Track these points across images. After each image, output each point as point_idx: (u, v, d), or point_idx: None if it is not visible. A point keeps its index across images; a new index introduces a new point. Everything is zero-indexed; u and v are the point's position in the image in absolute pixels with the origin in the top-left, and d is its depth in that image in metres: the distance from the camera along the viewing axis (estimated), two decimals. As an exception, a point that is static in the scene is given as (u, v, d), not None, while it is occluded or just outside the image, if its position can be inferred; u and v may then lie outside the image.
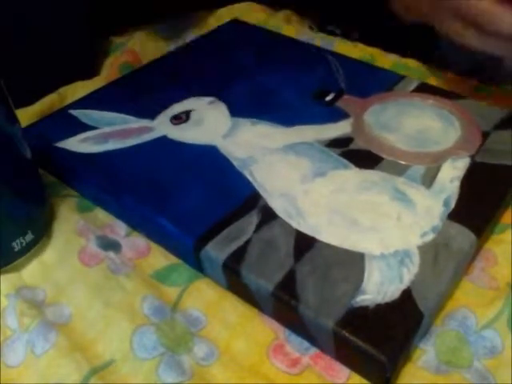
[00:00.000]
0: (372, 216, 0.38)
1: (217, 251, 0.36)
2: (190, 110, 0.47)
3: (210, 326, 0.35)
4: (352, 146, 0.43)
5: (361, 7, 0.60)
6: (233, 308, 0.36)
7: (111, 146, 0.44)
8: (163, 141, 0.44)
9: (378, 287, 0.34)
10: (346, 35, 0.60)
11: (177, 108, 0.47)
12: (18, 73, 0.42)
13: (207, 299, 0.36)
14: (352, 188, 0.40)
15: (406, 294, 0.33)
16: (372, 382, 0.32)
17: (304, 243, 0.36)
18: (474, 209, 0.38)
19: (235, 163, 0.42)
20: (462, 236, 0.36)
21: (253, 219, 0.38)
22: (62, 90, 0.52)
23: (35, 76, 0.47)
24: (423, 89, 0.48)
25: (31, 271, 0.38)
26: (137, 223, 0.40)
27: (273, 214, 0.38)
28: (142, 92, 0.49)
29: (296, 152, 0.43)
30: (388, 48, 0.58)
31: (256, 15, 0.64)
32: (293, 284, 0.34)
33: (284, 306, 0.34)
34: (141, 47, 0.58)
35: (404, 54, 0.57)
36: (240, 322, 0.35)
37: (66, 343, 0.34)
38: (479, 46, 0.42)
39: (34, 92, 0.50)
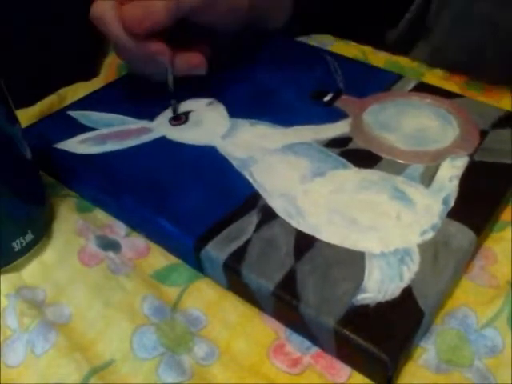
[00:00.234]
0: (372, 215, 0.38)
1: (217, 251, 0.36)
2: (189, 111, 0.47)
3: (210, 326, 0.35)
4: (351, 146, 0.43)
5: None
6: (233, 308, 0.36)
7: (110, 147, 0.44)
8: (162, 142, 0.44)
9: (379, 286, 0.34)
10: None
11: (176, 109, 0.47)
12: (18, 73, 0.42)
13: (207, 299, 0.36)
14: (351, 187, 0.40)
15: (407, 293, 0.33)
16: (373, 380, 0.32)
17: (304, 242, 0.36)
18: (474, 207, 0.38)
19: (235, 163, 0.42)
20: (462, 234, 0.36)
21: (253, 219, 0.38)
22: (61, 91, 0.52)
23: (35, 76, 0.47)
24: (421, 88, 0.48)
25: (31, 271, 0.38)
26: (136, 224, 0.40)
27: (273, 213, 0.38)
28: (141, 93, 0.49)
29: (295, 152, 0.43)
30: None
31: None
32: (293, 283, 0.34)
33: (285, 305, 0.34)
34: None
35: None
36: (240, 322, 0.35)
37: (65, 343, 0.34)
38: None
39: (33, 92, 0.50)
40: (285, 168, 0.41)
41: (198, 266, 0.37)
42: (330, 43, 0.59)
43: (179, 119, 0.46)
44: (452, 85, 0.51)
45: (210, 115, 0.47)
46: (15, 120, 0.35)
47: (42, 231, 0.39)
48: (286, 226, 0.37)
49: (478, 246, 0.38)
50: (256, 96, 0.48)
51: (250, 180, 0.41)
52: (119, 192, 0.41)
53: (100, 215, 0.42)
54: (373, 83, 0.49)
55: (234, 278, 0.36)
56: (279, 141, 0.44)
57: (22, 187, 0.37)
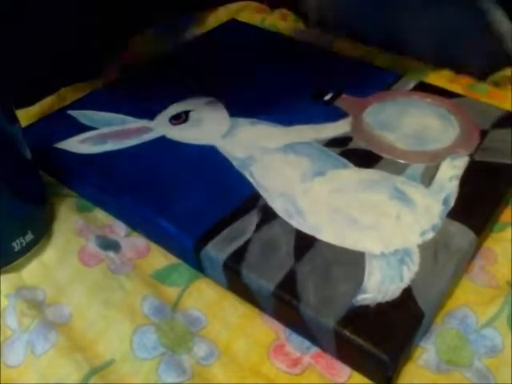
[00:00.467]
0: (372, 215, 0.38)
1: (217, 251, 0.36)
2: (189, 110, 0.47)
3: (210, 326, 0.35)
4: (351, 146, 0.43)
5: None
6: (233, 308, 0.36)
7: (110, 146, 0.44)
8: (162, 141, 0.44)
9: (379, 286, 0.34)
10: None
11: (176, 108, 0.47)
12: (18, 73, 0.42)
13: (207, 299, 0.36)
14: (351, 187, 0.40)
15: (407, 293, 0.33)
16: (373, 380, 0.32)
17: (304, 242, 0.36)
18: (474, 207, 0.38)
19: (235, 163, 0.42)
20: (462, 234, 0.36)
21: (253, 219, 0.38)
22: (61, 91, 0.52)
23: (35, 76, 0.47)
24: (421, 88, 0.48)
25: (31, 271, 0.38)
26: (136, 223, 0.40)
27: (273, 213, 0.38)
28: (141, 92, 0.49)
29: (295, 152, 0.43)
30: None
31: (253, 13, 0.64)
32: (293, 283, 0.34)
33: (285, 305, 0.34)
34: (139, 47, 0.58)
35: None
36: (240, 322, 0.35)
37: (66, 343, 0.34)
38: None
39: (33, 92, 0.50)
40: (285, 168, 0.41)
41: (198, 266, 0.37)
42: (333, 42, 0.59)
43: (179, 118, 0.46)
44: (456, 87, 0.51)
45: (210, 114, 0.47)
46: (15, 120, 0.35)
47: (42, 231, 0.39)
48: (286, 225, 0.37)
49: (478, 247, 0.38)
50: (256, 95, 0.48)
51: (250, 180, 0.40)
52: (119, 192, 0.40)
53: (100, 215, 0.42)
54: (373, 82, 0.49)
55: (234, 278, 0.36)
56: (279, 140, 0.44)
57: (22, 187, 0.37)
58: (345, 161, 0.42)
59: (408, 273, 0.34)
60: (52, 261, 0.38)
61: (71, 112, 0.47)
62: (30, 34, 0.47)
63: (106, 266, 0.38)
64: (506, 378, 0.32)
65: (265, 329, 0.35)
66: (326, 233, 0.37)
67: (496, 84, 0.52)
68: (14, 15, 0.46)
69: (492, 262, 0.37)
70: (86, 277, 0.37)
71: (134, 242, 0.40)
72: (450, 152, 0.42)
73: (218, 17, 0.63)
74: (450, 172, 0.40)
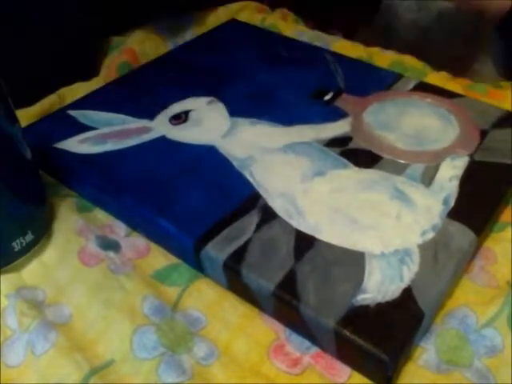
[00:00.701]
0: (372, 215, 0.38)
1: (217, 251, 0.36)
2: (189, 110, 0.47)
3: (210, 326, 0.35)
4: (351, 145, 0.43)
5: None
6: (233, 308, 0.36)
7: (110, 146, 0.44)
8: (162, 141, 0.44)
9: (379, 286, 0.34)
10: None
11: (176, 108, 0.47)
12: (18, 73, 0.42)
13: (207, 299, 0.36)
14: (351, 187, 0.40)
15: (407, 293, 0.33)
16: (373, 380, 0.32)
17: (304, 242, 0.36)
18: (474, 207, 0.38)
19: (235, 163, 0.42)
20: (462, 234, 0.36)
21: (253, 219, 0.38)
22: (61, 91, 0.52)
23: (35, 76, 0.47)
24: (421, 88, 0.48)
25: (31, 271, 0.38)
26: (136, 224, 0.40)
27: (273, 213, 0.38)
28: (141, 92, 0.49)
29: (295, 151, 0.43)
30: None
31: (253, 13, 0.64)
32: (293, 283, 0.34)
33: (285, 305, 0.34)
34: (139, 46, 0.58)
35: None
36: (240, 322, 0.35)
37: (66, 343, 0.34)
38: None
39: (33, 92, 0.50)
40: (285, 167, 0.41)
41: (198, 266, 0.37)
42: (333, 43, 0.59)
43: (179, 118, 0.46)
44: (456, 86, 0.51)
45: (210, 114, 0.47)
46: (15, 120, 0.35)
47: (42, 231, 0.39)
48: (286, 225, 0.37)
49: (478, 247, 0.38)
50: (256, 95, 0.48)
51: (250, 180, 0.40)
52: (119, 192, 0.40)
53: (100, 215, 0.42)
54: (373, 82, 0.49)
55: (234, 278, 0.36)
56: (279, 140, 0.44)
57: (22, 187, 0.37)
58: (345, 161, 0.42)
59: (408, 273, 0.34)
60: (52, 261, 0.38)
61: (71, 112, 0.47)
62: (30, 33, 0.47)
63: (106, 266, 0.38)
64: (506, 378, 0.32)
65: (265, 329, 0.35)
66: (326, 233, 0.37)
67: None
68: (13, 15, 0.46)
69: (492, 262, 0.37)
70: (86, 277, 0.37)
71: (133, 242, 0.40)
72: (450, 152, 0.42)
73: (218, 17, 0.63)
74: (450, 172, 0.40)
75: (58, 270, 0.38)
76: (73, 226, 0.40)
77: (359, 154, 0.42)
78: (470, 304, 0.35)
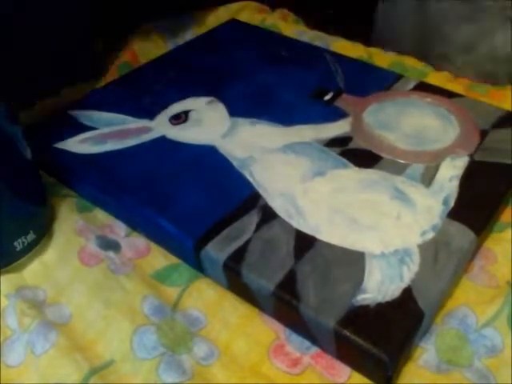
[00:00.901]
0: (372, 215, 0.38)
1: (217, 251, 0.36)
2: (189, 110, 0.47)
3: (210, 326, 0.35)
4: (351, 145, 0.43)
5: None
6: (233, 308, 0.36)
7: (110, 146, 0.44)
8: (162, 141, 0.44)
9: (379, 286, 0.34)
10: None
11: (176, 108, 0.47)
12: (19, 73, 0.42)
13: (207, 299, 0.36)
14: (351, 187, 0.40)
15: (407, 293, 0.33)
16: (373, 380, 0.32)
17: (304, 242, 0.36)
18: (474, 207, 0.38)
19: (235, 163, 0.42)
20: (462, 234, 0.36)
21: (253, 219, 0.38)
22: (61, 91, 0.52)
23: (35, 77, 0.47)
24: (421, 87, 0.48)
25: (32, 271, 0.38)
26: (136, 224, 0.40)
27: (273, 213, 0.38)
28: (141, 92, 0.49)
29: (295, 151, 0.43)
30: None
31: (253, 13, 0.64)
32: (293, 283, 0.34)
33: (285, 305, 0.34)
34: (139, 47, 0.58)
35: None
36: (240, 322, 0.35)
37: (66, 343, 0.34)
38: None
39: (33, 92, 0.50)
40: (285, 167, 0.41)
41: (198, 266, 0.37)
42: (333, 43, 0.59)
43: (179, 118, 0.46)
44: (456, 86, 0.51)
45: (210, 114, 0.47)
46: (15, 120, 0.35)
47: (43, 231, 0.39)
48: (286, 225, 0.37)
49: (478, 247, 0.38)
50: (256, 95, 0.48)
51: (250, 180, 0.40)
52: (119, 192, 0.40)
53: (100, 215, 0.42)
54: (373, 82, 0.49)
55: (234, 278, 0.36)
56: (279, 140, 0.44)
57: (23, 187, 0.37)
58: (345, 161, 0.42)
59: (408, 273, 0.34)
60: (52, 261, 0.38)
61: (71, 112, 0.47)
62: (30, 33, 0.47)
63: (106, 266, 0.38)
64: (506, 377, 0.32)
65: (265, 329, 0.35)
66: (326, 233, 0.37)
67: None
68: (13, 15, 0.46)
69: (492, 262, 0.37)
70: (86, 277, 0.37)
71: (134, 242, 0.40)
72: (450, 152, 0.42)
73: (218, 17, 0.63)
74: (450, 172, 0.40)
75: (58, 270, 0.38)
76: (73, 226, 0.40)
77: (359, 154, 0.42)
78: (470, 304, 0.35)
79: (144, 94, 0.49)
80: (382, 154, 0.42)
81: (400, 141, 0.43)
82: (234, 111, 0.47)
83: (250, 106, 0.47)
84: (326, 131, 0.44)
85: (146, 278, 0.37)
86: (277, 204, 0.39)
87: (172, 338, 0.34)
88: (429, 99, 0.47)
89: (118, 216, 0.41)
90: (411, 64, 0.55)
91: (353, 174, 0.41)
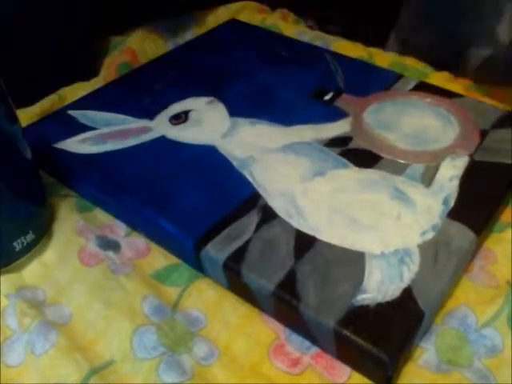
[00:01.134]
0: (372, 215, 0.38)
1: (217, 251, 0.36)
2: (189, 110, 0.47)
3: (210, 326, 0.35)
4: (351, 145, 0.43)
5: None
6: (233, 308, 0.36)
7: (110, 146, 0.44)
8: (162, 141, 0.44)
9: (379, 286, 0.34)
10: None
11: (175, 108, 0.47)
12: (18, 73, 0.42)
13: (207, 299, 0.36)
14: (352, 187, 0.40)
15: (407, 293, 0.33)
16: (373, 380, 0.32)
17: (304, 242, 0.36)
18: (474, 207, 0.38)
19: (235, 163, 0.42)
20: (462, 234, 0.36)
21: (253, 219, 0.38)
22: (61, 91, 0.52)
23: (35, 76, 0.47)
24: (421, 88, 0.48)
25: (32, 271, 0.38)
26: (136, 224, 0.40)
27: (273, 213, 0.38)
28: (141, 92, 0.49)
29: (295, 151, 0.43)
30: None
31: (253, 13, 0.64)
32: (293, 283, 0.34)
33: (285, 305, 0.34)
34: (139, 46, 0.58)
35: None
36: (240, 322, 0.35)
37: (66, 343, 0.34)
38: None
39: (33, 92, 0.50)
40: (285, 167, 0.41)
41: (198, 266, 0.37)
42: (333, 43, 0.59)
43: (179, 118, 0.46)
44: (456, 86, 0.51)
45: (210, 114, 0.47)
46: (15, 120, 0.35)
47: (42, 231, 0.39)
48: (286, 225, 0.37)
49: (477, 246, 0.38)
50: (256, 95, 0.48)
51: (250, 179, 0.40)
52: (119, 192, 0.40)
53: (100, 215, 0.42)
54: (373, 82, 0.49)
55: (234, 278, 0.36)
56: (279, 140, 0.44)
57: (23, 187, 0.37)
58: (345, 161, 0.42)
59: (408, 273, 0.34)
60: (52, 261, 0.38)
61: (71, 112, 0.47)
62: (30, 33, 0.47)
63: (105, 266, 0.38)
64: (506, 377, 0.32)
65: (265, 329, 0.35)
66: (326, 233, 0.37)
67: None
68: (14, 15, 0.46)
69: (492, 262, 0.37)
70: (86, 277, 0.37)
71: (133, 242, 0.40)
72: (450, 152, 0.42)
73: (217, 17, 0.63)
74: (450, 172, 0.40)
75: (58, 270, 0.38)
76: (73, 226, 0.40)
77: (359, 154, 0.42)
78: (470, 304, 0.35)
79: (144, 93, 0.49)
80: (382, 154, 0.42)
81: (400, 141, 0.43)
82: (234, 111, 0.47)
83: (250, 106, 0.47)
84: (325, 131, 0.44)
85: (145, 278, 0.37)
86: (277, 204, 0.39)
87: (172, 338, 0.34)
88: (429, 99, 0.47)
89: (117, 216, 0.41)
90: (411, 64, 0.56)
91: (353, 174, 0.41)
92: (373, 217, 0.38)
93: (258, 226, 0.37)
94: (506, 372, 0.32)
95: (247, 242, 0.36)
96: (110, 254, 0.39)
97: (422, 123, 0.45)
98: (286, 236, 0.37)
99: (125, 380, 0.33)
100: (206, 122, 0.46)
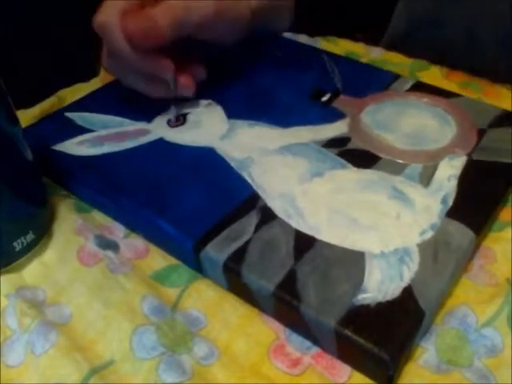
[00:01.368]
0: (371, 215, 0.38)
1: (217, 252, 0.36)
2: (187, 112, 0.47)
3: (210, 326, 0.35)
4: (349, 146, 0.43)
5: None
6: (233, 308, 0.36)
7: (108, 148, 0.44)
8: (160, 143, 0.44)
9: (379, 285, 0.34)
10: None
11: (174, 110, 0.47)
12: (18, 74, 0.42)
13: (207, 299, 0.36)
14: (350, 187, 0.40)
15: (407, 292, 0.33)
16: (374, 380, 0.32)
17: (304, 243, 0.36)
18: (472, 206, 0.38)
19: (233, 164, 0.42)
20: (461, 233, 0.36)
21: (252, 220, 0.38)
22: (61, 92, 0.52)
23: (35, 76, 0.47)
24: (418, 88, 0.48)
25: (32, 271, 0.38)
26: (135, 225, 0.40)
27: (272, 214, 0.38)
28: (139, 94, 0.49)
29: (293, 153, 0.43)
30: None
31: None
32: (294, 284, 0.34)
33: (285, 305, 0.34)
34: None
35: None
36: (240, 323, 0.35)
37: (66, 343, 0.34)
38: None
39: (33, 92, 0.50)
40: (283, 168, 0.41)
41: (198, 267, 0.37)
42: (319, 42, 0.59)
43: (177, 120, 0.46)
44: (451, 84, 0.51)
45: (208, 116, 0.47)
46: (16, 120, 0.35)
47: (42, 231, 0.39)
48: (285, 226, 0.37)
49: (477, 246, 0.38)
50: (254, 97, 0.48)
51: (249, 181, 0.40)
52: (117, 194, 0.40)
53: (98, 216, 0.42)
54: (371, 83, 0.49)
55: (234, 279, 0.36)
56: (278, 141, 0.44)
57: (23, 187, 0.37)
58: (343, 161, 0.42)
59: (408, 272, 0.34)
60: (52, 261, 0.38)
61: (68, 114, 0.47)
62: (30, 34, 0.47)
63: (104, 266, 0.38)
64: (506, 378, 0.32)
65: (265, 329, 0.35)
66: (326, 233, 0.37)
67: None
68: (14, 16, 0.46)
69: (491, 261, 0.37)
70: (86, 277, 0.37)
71: (132, 243, 0.40)
72: (448, 151, 0.42)
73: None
74: (449, 171, 0.41)
75: (57, 270, 0.38)
76: (72, 226, 0.40)
77: (357, 155, 0.42)
78: (470, 303, 0.35)
79: (142, 96, 0.49)
80: (381, 155, 0.42)
81: (398, 141, 0.43)
82: (232, 113, 0.47)
83: (247, 108, 0.47)
84: (323, 132, 0.44)
85: (145, 279, 0.37)
86: (276, 205, 0.39)
87: (172, 338, 0.34)
88: (426, 99, 0.47)
89: (116, 218, 0.41)
90: (398, 60, 0.55)
91: (351, 175, 0.41)
92: (372, 217, 0.38)
93: (258, 227, 0.37)
94: (506, 372, 0.32)
95: (247, 243, 0.36)
96: (109, 253, 0.39)
97: (419, 123, 0.45)
98: (285, 236, 0.37)
99: (125, 380, 0.32)
100: (204, 124, 0.46)
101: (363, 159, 0.42)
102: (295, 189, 0.40)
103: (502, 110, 0.46)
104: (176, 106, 0.47)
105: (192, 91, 0.46)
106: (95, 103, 0.49)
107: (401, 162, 0.41)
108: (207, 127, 0.46)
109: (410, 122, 0.45)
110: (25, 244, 0.37)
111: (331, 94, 0.48)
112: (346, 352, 0.33)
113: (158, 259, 0.39)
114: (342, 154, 0.42)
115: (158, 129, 0.46)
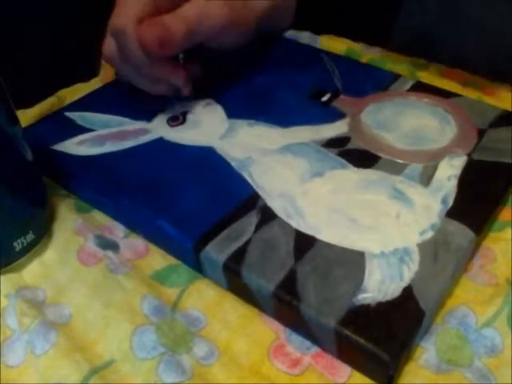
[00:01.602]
0: (371, 215, 0.38)
1: (217, 252, 0.36)
2: (187, 112, 0.47)
3: (210, 326, 0.35)
4: (349, 146, 0.43)
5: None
6: (233, 308, 0.36)
7: (108, 148, 0.44)
8: (160, 143, 0.44)
9: (379, 285, 0.34)
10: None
11: (173, 110, 0.47)
12: (18, 73, 0.42)
13: (207, 299, 0.36)
14: (350, 187, 0.40)
15: (407, 292, 0.33)
16: (375, 380, 0.32)
17: (304, 243, 0.36)
18: (472, 206, 0.38)
19: (233, 164, 0.42)
20: (461, 233, 0.36)
21: (252, 219, 0.38)
22: (61, 92, 0.52)
23: (35, 76, 0.47)
24: (419, 87, 0.48)
25: (32, 271, 0.38)
26: (135, 225, 0.40)
27: (272, 214, 0.38)
28: (139, 94, 0.49)
29: (293, 152, 0.43)
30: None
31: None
32: (294, 284, 0.34)
33: (285, 305, 0.34)
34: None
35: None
36: (240, 323, 0.35)
37: (66, 343, 0.34)
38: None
39: (33, 93, 0.50)
40: (283, 168, 0.41)
41: (198, 267, 0.37)
42: (320, 40, 0.59)
43: (177, 120, 0.46)
44: (450, 83, 0.51)
45: (207, 116, 0.47)
46: (16, 120, 0.35)
47: (42, 231, 0.39)
48: (285, 226, 0.37)
49: (477, 246, 0.38)
50: (254, 97, 0.48)
51: (249, 180, 0.40)
52: (117, 194, 0.40)
53: (99, 216, 0.42)
54: (370, 83, 0.49)
55: (234, 279, 0.36)
56: (277, 141, 0.44)
57: (24, 187, 0.37)
58: (343, 161, 0.42)
59: (408, 272, 0.34)
60: (52, 261, 0.38)
61: (68, 114, 0.47)
62: (30, 35, 0.47)
63: (104, 266, 0.38)
64: (506, 378, 0.32)
65: (265, 329, 0.35)
66: (326, 233, 0.37)
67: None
68: (14, 16, 0.46)
69: (491, 261, 0.37)
70: (86, 276, 0.37)
71: (132, 243, 0.40)
72: (448, 151, 0.42)
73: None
74: (449, 171, 0.41)
75: (57, 270, 0.38)
76: (72, 226, 0.40)
77: (357, 155, 0.42)
78: (470, 303, 0.35)
79: (141, 95, 0.49)
80: (381, 154, 0.42)
81: (398, 141, 0.43)
82: (232, 113, 0.47)
83: (247, 108, 0.47)
84: (323, 132, 0.44)
85: (145, 279, 0.37)
86: (276, 204, 0.39)
87: (172, 338, 0.34)
88: (426, 99, 0.47)
89: (116, 218, 0.41)
90: (396, 59, 0.55)
91: (351, 175, 0.41)
92: (372, 217, 0.38)
93: (258, 227, 0.37)
94: (506, 372, 0.32)
95: (247, 243, 0.36)
96: (109, 253, 0.39)
97: (419, 123, 0.45)
98: (285, 236, 0.37)
99: (125, 380, 0.32)
100: (203, 124, 0.46)
101: (363, 159, 0.42)
102: (295, 189, 0.40)
103: (502, 110, 0.46)
104: (176, 105, 0.47)
105: (188, 88, 0.46)
106: (95, 103, 0.49)
107: (401, 161, 0.41)
108: (207, 127, 0.46)
109: (410, 122, 0.45)
110: (25, 244, 0.37)
111: (331, 93, 0.48)
112: (346, 352, 0.33)
113: (158, 259, 0.39)
114: (342, 154, 0.42)
115: (158, 128, 0.46)
